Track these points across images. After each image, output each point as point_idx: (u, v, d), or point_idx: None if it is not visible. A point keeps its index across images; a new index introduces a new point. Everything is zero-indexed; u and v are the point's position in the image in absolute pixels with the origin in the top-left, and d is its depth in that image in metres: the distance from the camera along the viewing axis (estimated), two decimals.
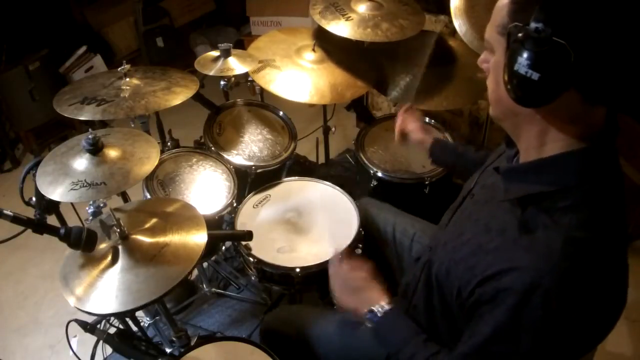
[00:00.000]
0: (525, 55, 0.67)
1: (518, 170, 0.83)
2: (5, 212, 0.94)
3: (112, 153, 1.30)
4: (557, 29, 0.64)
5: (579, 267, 0.70)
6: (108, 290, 0.99)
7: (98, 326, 1.25)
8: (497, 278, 0.73)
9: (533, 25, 0.65)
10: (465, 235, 0.87)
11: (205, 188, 1.62)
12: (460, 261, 0.83)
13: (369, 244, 1.45)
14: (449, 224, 1.02)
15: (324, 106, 2.15)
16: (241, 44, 3.45)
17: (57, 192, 1.20)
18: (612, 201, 0.75)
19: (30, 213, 1.23)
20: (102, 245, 1.08)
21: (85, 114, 1.45)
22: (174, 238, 1.08)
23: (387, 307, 0.99)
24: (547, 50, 0.65)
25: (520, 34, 0.68)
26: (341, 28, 1.74)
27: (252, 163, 1.70)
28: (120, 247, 1.06)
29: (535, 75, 0.66)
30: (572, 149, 0.74)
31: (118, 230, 1.06)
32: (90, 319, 1.24)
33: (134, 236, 1.08)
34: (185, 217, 1.15)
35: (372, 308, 0.99)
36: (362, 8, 1.83)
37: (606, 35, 0.65)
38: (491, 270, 0.74)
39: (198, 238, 1.09)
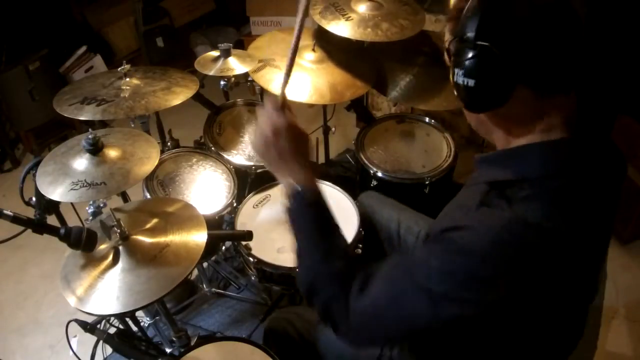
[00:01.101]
0: (458, 65, 0.70)
1: (488, 158, 0.84)
2: (5, 212, 0.94)
3: (112, 153, 1.30)
4: (479, 33, 0.67)
5: (520, 246, 0.68)
6: (109, 291, 1.00)
7: (98, 326, 1.25)
8: (446, 231, 0.73)
9: (459, 34, 0.70)
10: (444, 215, 0.89)
11: (205, 188, 1.62)
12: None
13: (370, 240, 1.45)
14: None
15: (324, 106, 2.15)
16: (241, 44, 3.45)
17: (57, 192, 1.20)
18: (581, 194, 0.72)
19: (30, 213, 1.23)
20: (103, 246, 1.08)
21: (86, 114, 1.45)
22: (175, 238, 1.09)
23: (314, 194, 0.85)
24: (472, 55, 0.68)
25: (453, 47, 0.72)
26: (341, 28, 1.74)
27: (252, 163, 1.70)
28: (121, 248, 1.06)
29: (471, 82, 0.70)
30: (535, 141, 0.75)
31: (118, 230, 1.06)
32: (90, 319, 1.24)
33: (134, 237, 1.08)
34: (185, 217, 1.15)
35: (297, 188, 0.84)
36: (362, 8, 1.83)
37: (524, 25, 0.67)
38: (442, 226, 0.74)
39: (198, 238, 1.09)
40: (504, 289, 0.69)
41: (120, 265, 1.04)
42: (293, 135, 0.85)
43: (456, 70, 0.71)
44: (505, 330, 0.75)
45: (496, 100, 0.71)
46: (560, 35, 0.68)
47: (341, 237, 0.86)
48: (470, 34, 0.67)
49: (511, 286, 0.69)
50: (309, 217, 0.85)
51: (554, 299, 0.74)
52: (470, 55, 0.68)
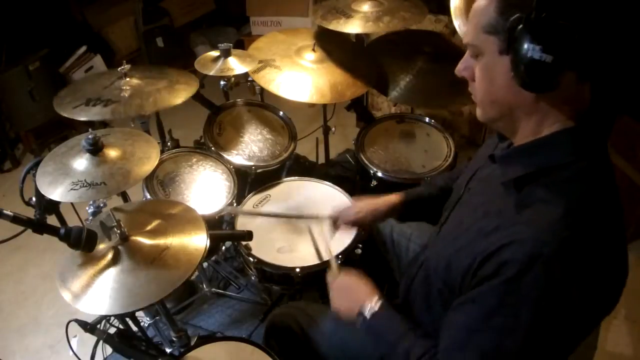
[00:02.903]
0: (536, 41, 0.69)
1: (514, 153, 0.84)
2: (5, 212, 0.94)
3: (112, 153, 1.30)
4: (560, 13, 0.68)
5: (580, 236, 0.71)
6: (106, 290, 0.99)
7: (98, 326, 1.25)
8: (498, 253, 0.74)
9: (536, 13, 0.69)
10: (465, 224, 0.87)
11: (205, 188, 1.62)
12: (461, 249, 0.83)
13: (368, 246, 1.45)
14: (448, 219, 1.02)
15: (324, 106, 2.15)
16: (241, 44, 3.45)
17: (57, 192, 1.20)
18: (604, 176, 0.78)
19: (30, 213, 1.23)
20: (102, 246, 1.07)
21: (95, 115, 1.45)
22: (175, 241, 1.08)
23: (376, 305, 0.98)
24: (556, 33, 0.69)
25: (525, 24, 0.71)
26: (342, 25, 1.75)
27: (252, 163, 1.70)
28: (120, 249, 1.06)
29: (549, 58, 0.69)
30: (565, 127, 0.77)
31: (118, 231, 1.05)
32: (90, 319, 1.24)
33: (134, 238, 1.08)
34: (186, 220, 1.15)
35: (362, 307, 0.98)
36: (364, 8, 1.83)
37: (598, 13, 0.70)
38: (492, 248, 0.75)
39: (198, 242, 1.08)
40: (577, 293, 0.71)
41: (119, 266, 1.03)
42: (345, 278, 1.10)
43: (531, 46, 0.70)
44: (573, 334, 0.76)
45: (558, 80, 0.72)
46: (606, 21, 0.71)
47: (413, 330, 0.94)
48: (550, 12, 0.68)
49: (582, 278, 0.71)
50: (381, 322, 0.97)
51: (610, 285, 0.76)
52: (551, 31, 0.69)
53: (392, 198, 1.29)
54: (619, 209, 0.79)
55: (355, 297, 1.03)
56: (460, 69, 0.88)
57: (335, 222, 1.36)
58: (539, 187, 0.77)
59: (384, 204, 1.29)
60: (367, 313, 0.97)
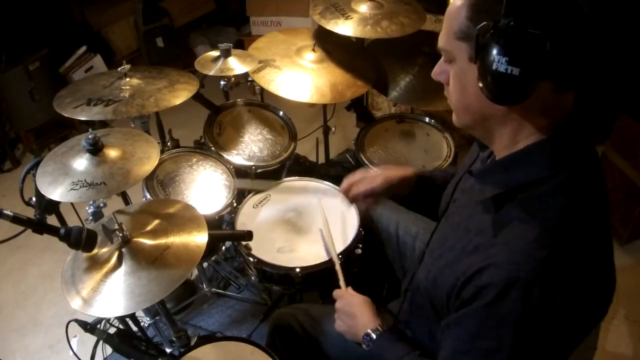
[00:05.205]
0: (502, 52, 0.65)
1: (490, 169, 0.83)
2: (5, 212, 0.94)
3: (112, 153, 1.30)
4: (530, 20, 0.64)
5: (558, 255, 0.70)
6: (112, 294, 1.00)
7: (98, 326, 1.25)
8: (477, 277, 0.73)
9: (504, 21, 0.65)
10: (449, 241, 0.87)
11: (205, 188, 1.62)
12: (445, 267, 0.83)
13: (370, 243, 1.45)
14: (436, 231, 1.02)
15: (324, 106, 2.16)
16: (241, 44, 3.45)
17: (57, 192, 1.20)
18: (587, 186, 0.75)
19: (30, 213, 1.23)
20: (105, 249, 1.08)
21: (96, 115, 1.45)
22: (175, 240, 1.08)
23: (380, 330, 1.01)
24: (523, 43, 0.65)
25: (492, 32, 0.67)
26: (340, 27, 1.74)
27: (252, 163, 1.70)
28: (122, 251, 1.06)
29: (515, 71, 0.65)
30: (541, 139, 0.75)
31: (120, 234, 1.06)
32: (90, 319, 1.24)
33: (136, 239, 1.08)
34: (186, 219, 1.15)
35: (368, 331, 1.01)
36: (363, 8, 1.83)
37: (573, 20, 0.67)
38: (471, 271, 0.74)
39: (199, 239, 1.09)
40: (562, 306, 0.70)
41: (122, 268, 1.03)
42: (351, 302, 1.09)
43: (497, 57, 0.65)
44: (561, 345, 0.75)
45: (529, 92, 0.68)
46: (583, 28, 0.68)
47: (414, 351, 0.96)
48: (519, 21, 0.64)
49: (563, 298, 0.69)
50: (380, 350, 1.00)
51: (594, 297, 0.75)
52: (519, 42, 0.64)
53: (407, 170, 1.26)
54: (605, 217, 0.76)
55: (360, 321, 1.05)
56: (437, 72, 0.85)
57: (349, 193, 1.31)
58: (516, 204, 0.74)
59: (397, 175, 1.25)
60: (373, 335, 1.01)
